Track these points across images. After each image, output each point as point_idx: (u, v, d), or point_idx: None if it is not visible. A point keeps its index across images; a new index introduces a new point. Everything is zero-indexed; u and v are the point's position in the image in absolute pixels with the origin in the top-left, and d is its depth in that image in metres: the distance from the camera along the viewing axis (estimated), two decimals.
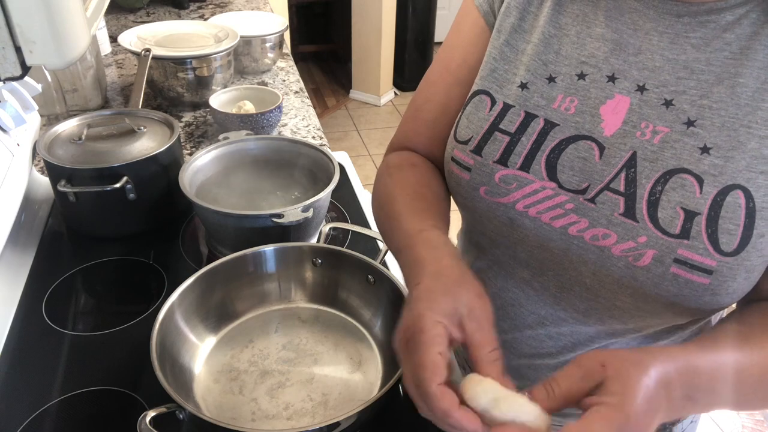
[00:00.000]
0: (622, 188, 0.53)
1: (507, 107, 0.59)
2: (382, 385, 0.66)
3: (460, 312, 0.49)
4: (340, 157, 1.19)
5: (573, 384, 0.44)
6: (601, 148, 0.55)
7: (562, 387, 0.44)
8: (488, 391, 0.45)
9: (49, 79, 1.21)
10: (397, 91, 4.03)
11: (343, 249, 0.78)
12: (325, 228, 0.84)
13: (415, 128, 0.72)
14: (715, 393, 0.48)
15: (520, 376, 0.69)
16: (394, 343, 0.50)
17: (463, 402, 0.45)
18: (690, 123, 0.52)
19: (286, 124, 1.30)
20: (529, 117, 0.58)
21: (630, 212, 0.53)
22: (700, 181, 0.50)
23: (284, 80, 1.53)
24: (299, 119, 1.33)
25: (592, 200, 0.55)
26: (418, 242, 0.56)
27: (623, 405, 0.41)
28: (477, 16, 0.66)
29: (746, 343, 0.51)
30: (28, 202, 0.92)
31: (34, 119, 0.96)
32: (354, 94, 3.97)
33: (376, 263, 0.75)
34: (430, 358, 0.45)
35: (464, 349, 0.49)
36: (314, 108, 1.40)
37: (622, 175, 0.53)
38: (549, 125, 0.57)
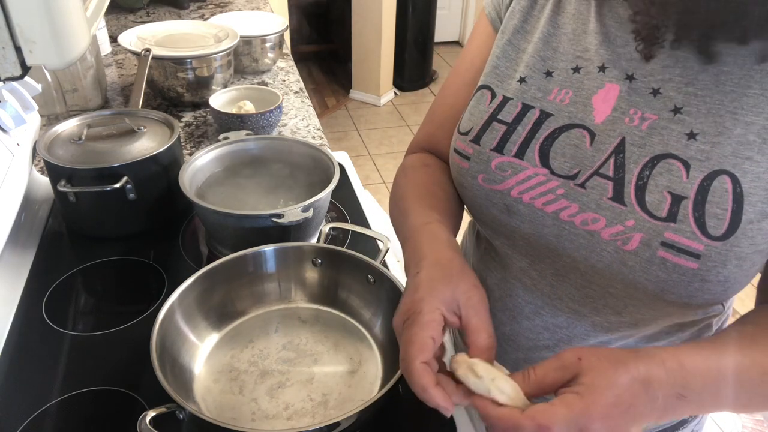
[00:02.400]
0: (611, 173, 0.54)
1: (506, 100, 0.62)
2: (382, 385, 0.66)
3: (458, 299, 0.52)
4: (340, 157, 1.19)
5: (549, 372, 0.47)
6: (592, 135, 0.56)
7: (538, 374, 0.47)
8: (480, 370, 0.48)
9: (49, 79, 1.21)
10: (397, 91, 4.03)
11: (343, 249, 0.78)
12: (325, 228, 0.84)
13: (430, 130, 0.77)
14: (710, 393, 0.48)
15: (517, 369, 0.69)
16: (394, 323, 0.54)
17: (454, 379, 0.50)
18: (677, 110, 0.53)
19: (286, 124, 1.30)
20: (526, 108, 0.60)
21: (618, 196, 0.54)
22: (687, 166, 0.51)
23: (284, 80, 1.53)
24: (299, 119, 1.33)
25: (582, 185, 0.56)
26: (422, 234, 0.60)
27: (587, 394, 0.43)
28: (486, 23, 0.70)
29: (751, 343, 0.51)
30: (28, 202, 0.92)
31: (34, 119, 0.96)
32: (354, 94, 3.98)
33: (376, 263, 0.75)
34: (420, 338, 0.49)
35: (461, 333, 0.53)
36: (314, 108, 1.40)
37: (611, 160, 0.55)
38: (544, 115, 0.59)
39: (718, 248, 0.50)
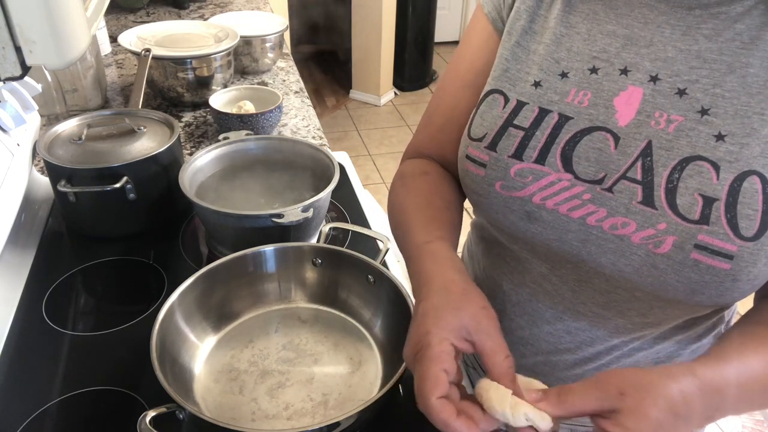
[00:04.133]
0: (639, 177, 0.54)
1: (521, 104, 0.60)
2: (382, 385, 0.66)
3: (467, 326, 0.51)
4: (340, 157, 1.19)
5: (587, 401, 0.46)
6: (616, 139, 0.55)
7: (575, 400, 0.46)
8: (503, 399, 0.48)
9: (49, 79, 1.21)
10: (397, 91, 4.03)
11: (343, 249, 0.78)
12: (325, 228, 0.84)
13: (428, 134, 0.75)
14: (735, 409, 0.50)
15: (536, 373, 0.69)
16: (405, 355, 0.54)
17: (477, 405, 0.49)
18: (704, 111, 0.52)
19: (286, 124, 1.30)
20: (543, 112, 0.59)
21: (648, 200, 0.53)
22: (717, 168, 0.51)
23: (284, 80, 1.53)
24: (299, 119, 1.33)
25: (609, 189, 0.55)
26: (424, 255, 0.59)
27: None
28: (485, 22, 0.68)
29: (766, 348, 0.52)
30: (28, 202, 0.92)
31: (34, 119, 0.96)
32: (354, 94, 3.97)
33: (376, 263, 0.75)
34: (433, 373, 0.49)
35: (477, 358, 0.51)
36: (314, 108, 1.40)
37: (639, 163, 0.54)
38: (563, 119, 0.58)
39: (750, 248, 0.50)
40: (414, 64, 3.99)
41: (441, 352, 0.50)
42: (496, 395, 0.48)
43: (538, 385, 0.50)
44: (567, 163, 0.57)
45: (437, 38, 4.12)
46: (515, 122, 0.60)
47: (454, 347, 0.51)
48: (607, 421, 0.45)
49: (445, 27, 4.56)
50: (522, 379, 0.50)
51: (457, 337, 0.51)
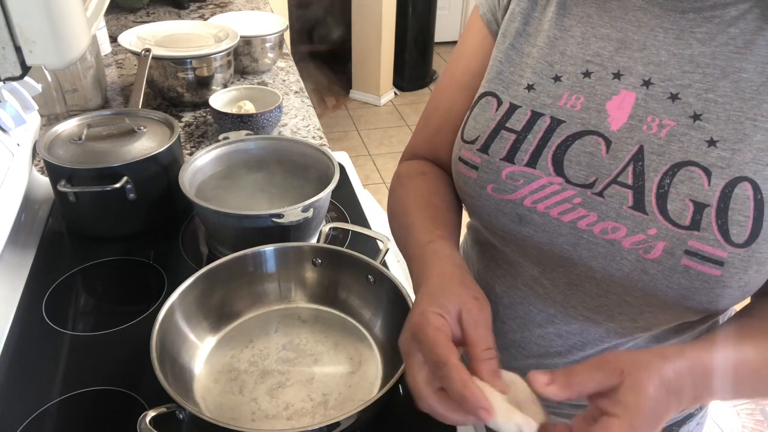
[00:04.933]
0: (630, 181, 0.54)
1: (514, 107, 0.60)
2: (382, 385, 0.66)
3: (459, 310, 0.51)
4: (340, 157, 1.19)
5: (592, 382, 0.46)
6: (608, 143, 0.55)
7: (582, 381, 0.46)
8: (498, 406, 0.47)
9: (49, 79, 1.21)
10: (397, 91, 4.03)
11: (343, 249, 0.78)
12: (325, 228, 0.84)
13: (425, 136, 0.75)
14: (722, 392, 0.50)
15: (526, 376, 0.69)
16: (400, 343, 0.53)
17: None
18: (696, 117, 0.52)
19: (286, 124, 1.30)
20: (536, 115, 0.59)
21: (639, 205, 0.53)
22: (708, 174, 0.51)
23: (284, 80, 1.53)
24: (299, 119, 1.33)
25: (600, 194, 0.55)
26: (426, 253, 0.60)
27: (633, 418, 0.43)
28: (481, 24, 0.68)
29: (761, 338, 0.52)
30: (28, 202, 0.92)
31: (34, 119, 0.96)
32: (354, 94, 3.98)
33: (376, 263, 0.75)
34: (442, 338, 0.48)
35: (463, 347, 0.52)
36: (314, 108, 1.40)
37: (630, 168, 0.54)
38: (555, 122, 0.58)
39: (741, 255, 0.50)
40: (414, 64, 4.00)
41: (442, 325, 0.49)
42: (491, 400, 0.47)
43: (520, 381, 0.49)
44: (558, 167, 0.57)
45: (437, 38, 4.12)
46: (507, 125, 0.60)
47: (449, 325, 0.50)
48: (606, 400, 0.45)
49: (445, 27, 4.56)
50: (504, 374, 0.50)
51: (452, 318, 0.51)
